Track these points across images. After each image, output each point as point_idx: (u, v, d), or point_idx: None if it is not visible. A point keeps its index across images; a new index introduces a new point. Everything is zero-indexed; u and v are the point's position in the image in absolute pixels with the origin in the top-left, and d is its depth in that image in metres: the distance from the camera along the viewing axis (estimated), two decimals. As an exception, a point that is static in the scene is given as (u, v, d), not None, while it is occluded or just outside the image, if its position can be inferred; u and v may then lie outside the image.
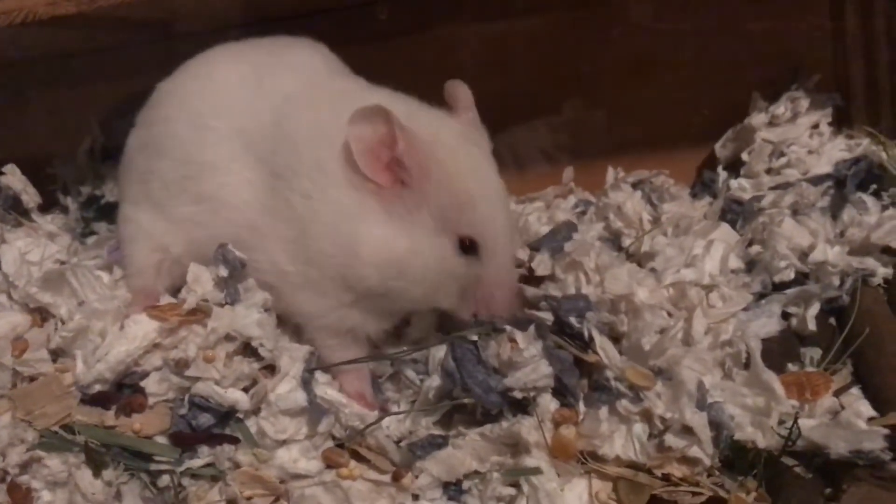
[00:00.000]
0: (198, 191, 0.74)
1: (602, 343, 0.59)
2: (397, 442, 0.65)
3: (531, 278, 0.71)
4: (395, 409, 0.68)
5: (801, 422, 0.58)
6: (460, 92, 0.74)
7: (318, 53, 0.79)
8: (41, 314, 0.74)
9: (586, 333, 0.60)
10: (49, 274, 0.74)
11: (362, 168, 0.66)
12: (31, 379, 0.70)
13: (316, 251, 0.68)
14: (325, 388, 0.67)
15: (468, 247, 0.68)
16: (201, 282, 0.70)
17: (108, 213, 1.04)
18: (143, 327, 0.68)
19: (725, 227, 0.78)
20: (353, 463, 0.64)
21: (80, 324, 0.69)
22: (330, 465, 0.64)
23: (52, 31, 0.92)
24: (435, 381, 0.62)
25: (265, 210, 0.71)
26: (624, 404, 0.58)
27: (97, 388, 0.67)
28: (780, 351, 0.69)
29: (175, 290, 0.75)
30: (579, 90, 1.07)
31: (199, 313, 0.69)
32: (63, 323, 0.72)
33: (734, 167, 0.97)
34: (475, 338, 0.61)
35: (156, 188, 0.77)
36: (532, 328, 0.61)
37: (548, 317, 0.60)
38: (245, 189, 0.72)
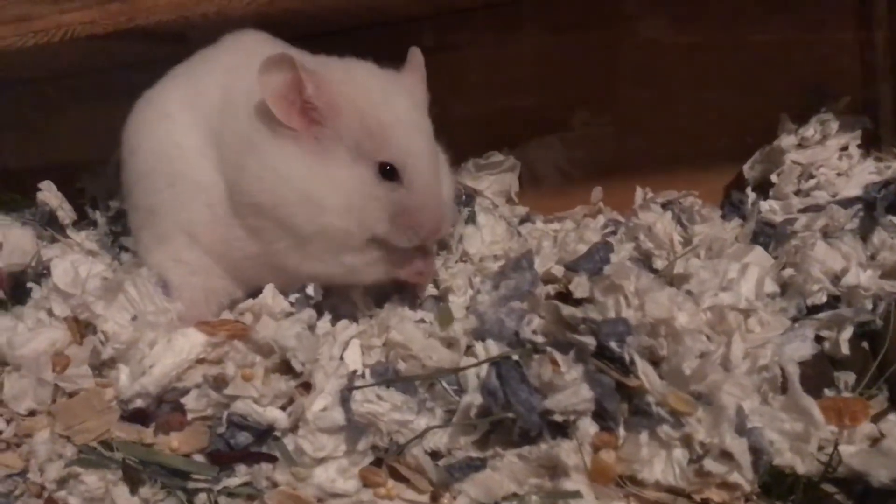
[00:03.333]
0: (171, 174, 0.80)
1: (644, 368, 0.59)
2: (433, 454, 0.65)
3: (568, 298, 0.71)
4: (431, 415, 0.68)
5: (840, 448, 0.58)
6: (412, 56, 0.83)
7: (257, 34, 0.86)
8: (80, 330, 0.75)
9: (627, 357, 0.60)
10: (108, 283, 0.75)
11: (276, 114, 0.72)
12: (71, 395, 0.70)
13: (252, 200, 0.75)
14: (363, 403, 0.67)
15: (388, 172, 0.74)
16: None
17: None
18: (191, 340, 0.68)
19: (759, 250, 0.78)
20: (390, 482, 0.64)
21: (133, 336, 0.70)
22: (367, 484, 0.64)
23: (87, 48, 0.94)
24: (476, 398, 0.62)
25: (220, 172, 0.78)
26: (665, 429, 0.58)
27: (139, 402, 0.68)
28: (814, 375, 0.69)
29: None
30: (606, 110, 1.08)
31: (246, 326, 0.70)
32: (107, 338, 0.72)
33: (762, 188, 0.97)
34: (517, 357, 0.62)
35: (151, 218, 0.82)
36: (573, 351, 0.61)
37: (590, 341, 0.60)
38: (202, 160, 0.79)
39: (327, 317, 0.78)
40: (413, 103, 0.79)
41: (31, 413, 0.71)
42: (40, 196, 0.95)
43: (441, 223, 0.77)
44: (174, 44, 0.98)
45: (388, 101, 0.76)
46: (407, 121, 0.76)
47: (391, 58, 0.86)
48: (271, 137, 0.74)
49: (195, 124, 0.80)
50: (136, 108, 0.86)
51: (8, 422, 0.71)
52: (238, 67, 0.80)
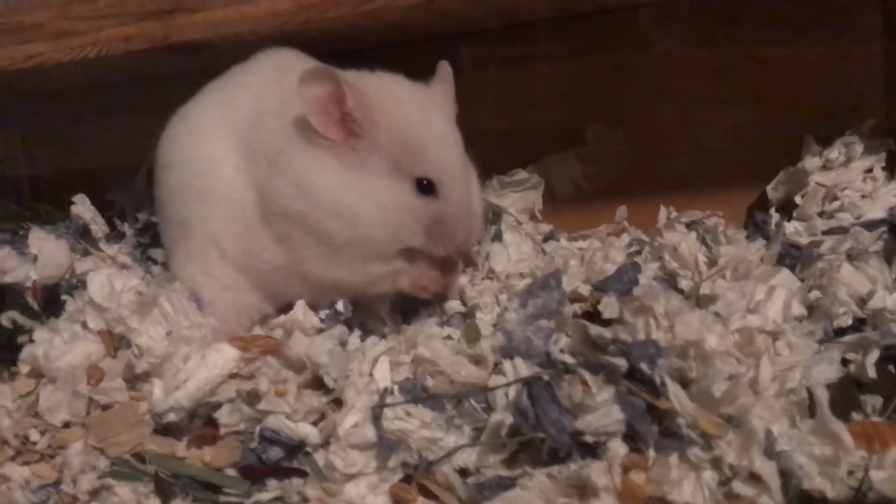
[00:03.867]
0: (201, 188, 0.81)
1: (675, 391, 0.60)
2: (462, 472, 0.65)
3: (594, 317, 0.72)
4: (459, 433, 0.69)
5: (871, 473, 0.58)
6: (441, 68, 0.85)
7: (289, 51, 0.88)
8: (114, 343, 0.76)
9: (658, 379, 0.61)
10: (143, 298, 0.76)
11: (315, 125, 0.74)
12: (105, 407, 0.71)
13: (284, 208, 0.76)
14: (394, 420, 0.68)
15: (426, 187, 0.76)
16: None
17: (164, 239, 1.06)
18: (224, 356, 0.69)
19: (786, 272, 0.78)
20: (420, 499, 0.65)
21: (167, 351, 0.71)
22: (397, 500, 0.65)
23: (120, 63, 0.95)
24: (506, 417, 0.63)
25: (251, 184, 0.79)
26: (694, 451, 0.59)
27: (172, 416, 0.69)
28: (840, 398, 0.69)
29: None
30: (625, 127, 1.09)
31: (279, 342, 0.71)
32: (141, 352, 0.73)
33: (785, 209, 0.97)
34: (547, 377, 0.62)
35: (183, 232, 0.84)
36: (603, 372, 0.61)
37: (621, 362, 0.61)
38: (234, 172, 0.80)
39: (357, 333, 0.79)
40: (446, 117, 0.82)
41: (66, 425, 0.72)
42: (74, 209, 0.97)
43: (473, 233, 0.81)
44: (200, 55, 0.99)
45: (425, 117, 0.78)
46: (442, 136, 0.79)
47: (415, 75, 0.88)
48: (306, 148, 0.75)
49: (227, 138, 0.81)
50: (171, 124, 0.87)
51: (42, 433, 0.72)
52: (271, 82, 0.82)
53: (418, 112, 0.78)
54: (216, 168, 0.81)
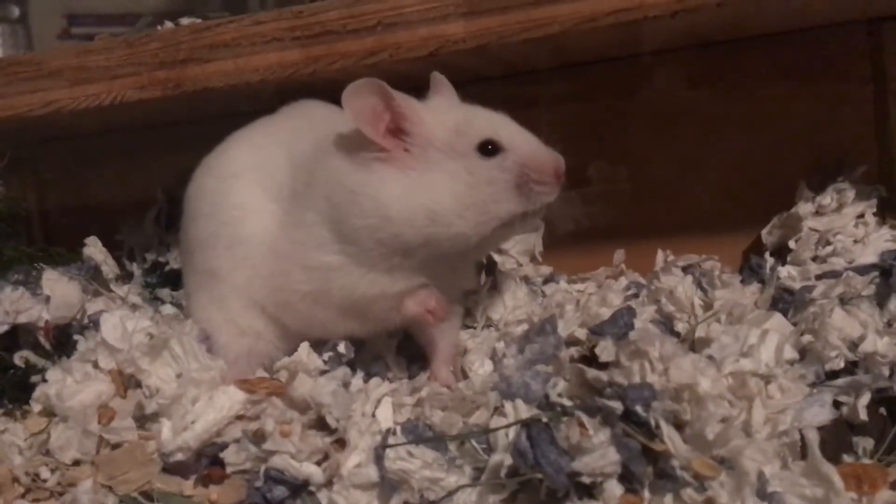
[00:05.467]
0: (230, 236, 0.82)
1: (669, 433, 0.61)
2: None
3: (591, 361, 0.73)
4: (460, 473, 0.70)
5: (860, 515, 0.60)
6: (440, 80, 0.83)
7: (314, 102, 0.89)
8: (125, 384, 0.78)
9: (653, 422, 0.62)
10: (155, 340, 0.78)
11: (369, 134, 0.73)
12: (115, 446, 0.73)
13: (349, 229, 0.75)
14: (396, 461, 0.69)
15: (489, 149, 0.75)
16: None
17: (172, 279, 1.09)
18: (231, 397, 0.71)
19: (779, 317, 0.80)
20: (421, 540, 0.66)
21: (177, 392, 0.73)
22: (399, 539, 0.66)
23: (134, 108, 0.98)
24: (506, 458, 0.65)
25: (283, 226, 0.79)
26: (689, 493, 0.60)
27: (180, 455, 0.70)
28: (832, 441, 0.70)
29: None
30: (624, 171, 1.11)
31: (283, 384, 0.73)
32: (150, 392, 0.75)
33: (780, 253, 1.00)
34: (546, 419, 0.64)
35: (210, 281, 0.85)
36: (600, 415, 0.63)
37: (617, 405, 0.63)
38: (264, 217, 0.81)
39: (360, 374, 0.80)
40: None
41: (76, 463, 0.74)
42: (86, 251, 0.99)
43: (557, 157, 0.78)
44: (210, 102, 1.02)
45: (457, 99, 0.81)
46: (483, 110, 0.80)
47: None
48: (360, 169, 0.75)
49: (258, 185, 0.82)
50: (197, 175, 0.89)
51: (53, 471, 0.73)
52: (302, 129, 0.84)
53: (454, 101, 0.81)
54: (246, 216, 0.82)
